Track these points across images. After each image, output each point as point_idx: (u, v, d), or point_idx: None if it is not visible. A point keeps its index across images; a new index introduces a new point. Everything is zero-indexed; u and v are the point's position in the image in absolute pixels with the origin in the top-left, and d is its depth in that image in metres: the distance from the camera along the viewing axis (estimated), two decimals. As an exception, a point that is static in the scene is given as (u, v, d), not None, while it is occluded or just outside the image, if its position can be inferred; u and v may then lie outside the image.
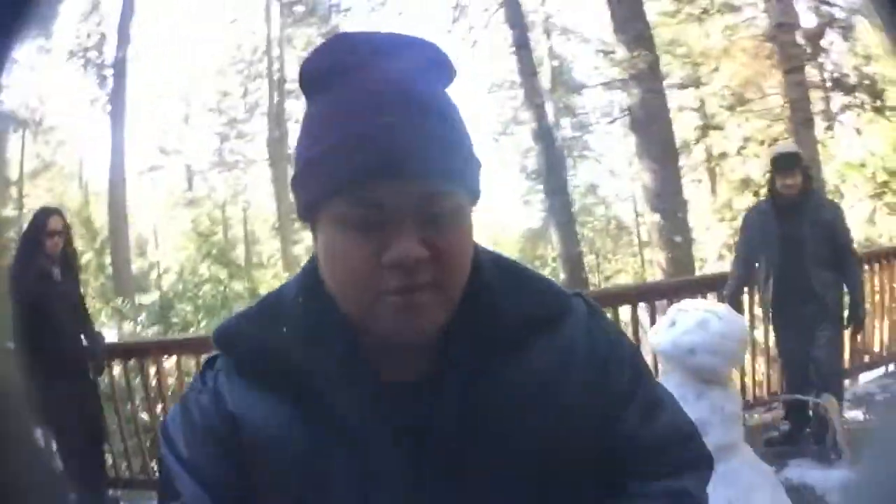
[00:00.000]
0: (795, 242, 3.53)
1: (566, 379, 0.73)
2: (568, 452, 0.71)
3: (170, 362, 4.73)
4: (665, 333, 2.54)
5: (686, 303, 2.75)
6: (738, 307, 3.70)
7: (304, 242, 14.88)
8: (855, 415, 4.04)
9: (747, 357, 3.89)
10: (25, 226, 3.73)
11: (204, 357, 0.75)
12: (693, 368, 2.46)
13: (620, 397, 0.76)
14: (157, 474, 0.63)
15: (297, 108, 15.52)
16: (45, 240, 3.54)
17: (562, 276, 9.61)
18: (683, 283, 5.50)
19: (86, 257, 12.96)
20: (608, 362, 0.76)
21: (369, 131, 0.62)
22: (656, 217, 8.62)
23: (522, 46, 8.90)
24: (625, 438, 0.76)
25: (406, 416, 0.69)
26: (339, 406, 0.69)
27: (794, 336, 3.68)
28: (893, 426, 0.57)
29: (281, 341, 0.71)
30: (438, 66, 0.69)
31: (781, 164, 3.58)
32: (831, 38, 9.99)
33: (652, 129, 8.35)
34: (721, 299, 3.84)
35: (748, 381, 4.40)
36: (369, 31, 0.69)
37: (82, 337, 3.80)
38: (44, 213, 3.69)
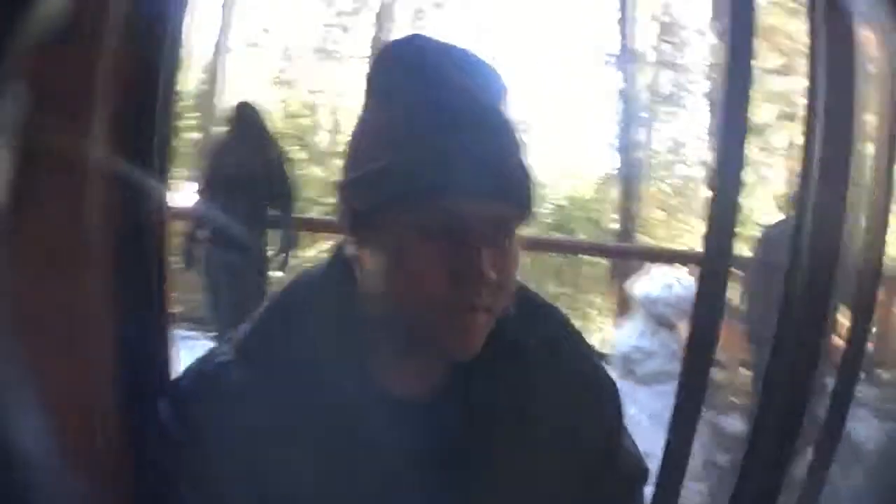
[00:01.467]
0: None
1: (567, 408, 0.75)
2: (571, 477, 0.75)
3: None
4: (643, 285, 3.54)
5: (665, 268, 3.74)
6: None
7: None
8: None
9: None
10: None
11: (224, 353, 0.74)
12: (654, 314, 3.46)
13: (611, 433, 0.80)
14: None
15: (405, 13, 15.99)
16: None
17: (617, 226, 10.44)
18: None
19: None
20: (602, 399, 0.80)
21: (449, 147, 0.63)
22: (709, 193, 9.26)
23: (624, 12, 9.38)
24: (606, 472, 0.79)
25: (420, 433, 0.69)
26: (353, 420, 0.68)
27: None
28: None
29: (300, 350, 0.70)
30: (499, 84, 0.70)
31: None
32: None
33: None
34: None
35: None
36: (442, 42, 0.69)
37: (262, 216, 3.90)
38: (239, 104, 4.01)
